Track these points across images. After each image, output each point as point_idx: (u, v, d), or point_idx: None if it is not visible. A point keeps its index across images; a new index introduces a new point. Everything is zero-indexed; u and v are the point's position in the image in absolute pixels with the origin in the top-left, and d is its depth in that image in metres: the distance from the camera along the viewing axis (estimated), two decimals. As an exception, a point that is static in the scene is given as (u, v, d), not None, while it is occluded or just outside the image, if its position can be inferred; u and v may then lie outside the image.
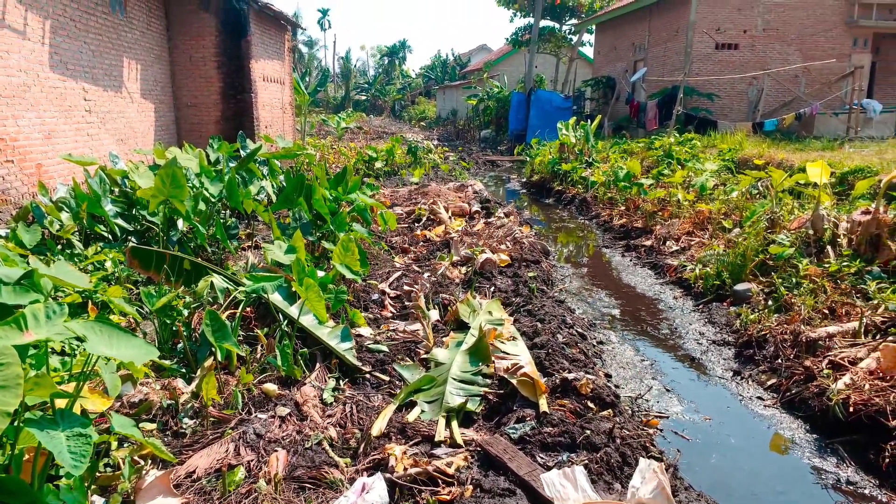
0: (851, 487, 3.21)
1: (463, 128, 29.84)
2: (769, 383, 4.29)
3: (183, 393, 3.39)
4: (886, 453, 3.24)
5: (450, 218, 8.62)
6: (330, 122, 20.08)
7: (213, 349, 3.60)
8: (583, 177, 12.23)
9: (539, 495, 2.58)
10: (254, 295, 4.19)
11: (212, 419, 3.22)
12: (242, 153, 9.07)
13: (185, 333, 3.83)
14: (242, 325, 4.17)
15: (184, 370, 3.68)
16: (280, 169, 9.38)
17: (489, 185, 14.71)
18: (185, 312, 3.99)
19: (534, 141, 16.96)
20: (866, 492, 3.17)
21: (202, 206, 6.23)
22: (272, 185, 8.90)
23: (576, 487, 2.50)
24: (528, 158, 16.22)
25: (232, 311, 4.14)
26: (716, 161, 11.11)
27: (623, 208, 9.92)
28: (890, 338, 4.10)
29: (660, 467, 2.53)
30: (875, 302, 4.65)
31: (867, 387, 3.60)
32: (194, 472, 2.80)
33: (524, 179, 15.46)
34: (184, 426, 3.18)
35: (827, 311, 4.80)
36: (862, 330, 4.32)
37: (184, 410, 3.28)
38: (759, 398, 4.17)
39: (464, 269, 6.30)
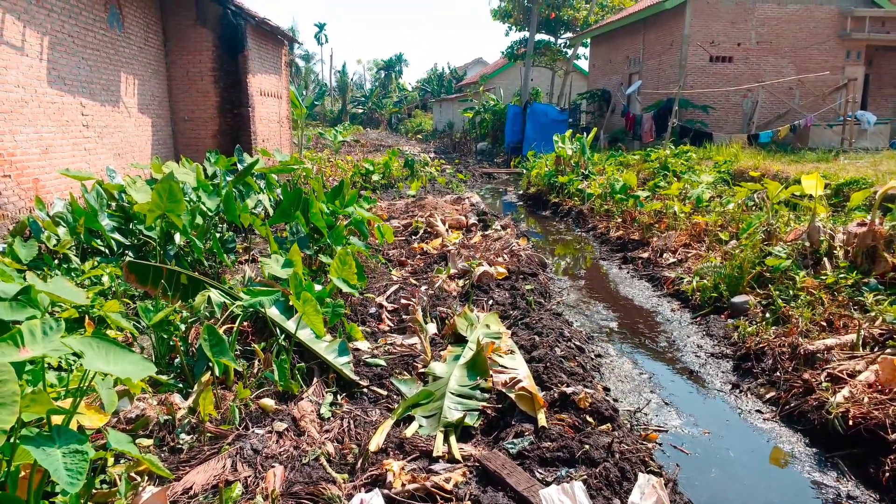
0: (852, 502, 3.19)
1: (459, 140, 29.97)
2: (768, 396, 4.28)
3: (180, 408, 3.36)
4: (886, 467, 3.22)
5: (447, 230, 8.63)
6: (327, 136, 20.16)
7: (211, 364, 3.59)
8: (579, 189, 12.28)
9: (538, 511, 2.57)
10: (251, 309, 4.17)
11: (209, 435, 3.20)
12: (239, 167, 9.08)
13: (182, 348, 3.82)
14: (240, 339, 4.16)
15: (181, 385, 3.66)
16: (277, 182, 9.40)
17: (486, 197, 14.76)
18: (183, 327, 3.97)
19: (530, 153, 17.04)
20: (866, 506, 3.16)
21: (199, 220, 6.23)
22: (269, 199, 8.92)
23: (575, 503, 2.48)
24: (524, 171, 16.29)
25: (229, 325, 4.12)
26: (711, 173, 11.17)
27: (619, 220, 9.95)
28: (888, 350, 4.10)
29: (659, 482, 2.51)
30: (872, 314, 4.66)
31: (866, 400, 3.60)
32: (191, 488, 2.78)
33: (521, 192, 15.51)
34: (181, 442, 3.16)
35: (825, 324, 4.80)
36: (860, 342, 4.32)
37: (181, 426, 3.26)
38: (757, 411, 4.16)
39: (461, 282, 6.30)
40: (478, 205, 10.95)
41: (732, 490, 3.33)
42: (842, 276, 5.33)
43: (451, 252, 7.28)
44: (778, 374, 4.40)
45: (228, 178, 8.36)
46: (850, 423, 3.53)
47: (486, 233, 8.68)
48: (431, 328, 4.96)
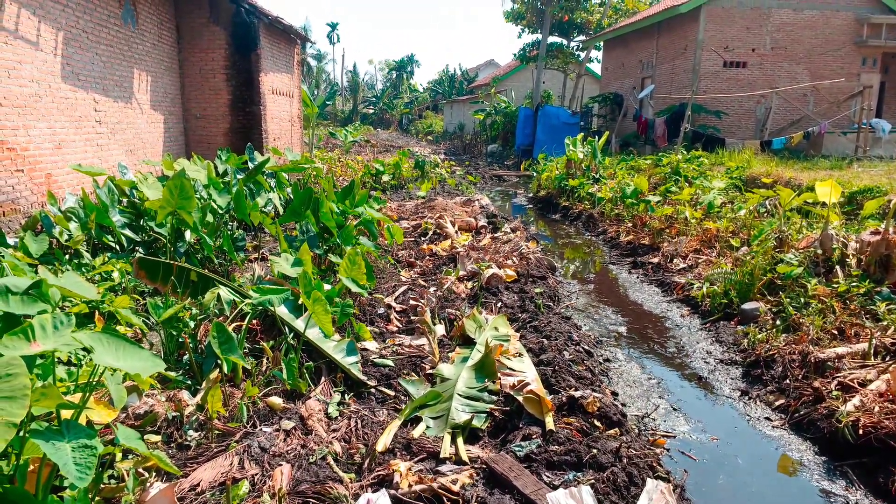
0: (862, 512, 3.16)
1: (470, 142, 29.98)
2: (777, 404, 4.24)
3: (188, 405, 3.38)
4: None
5: (456, 232, 8.63)
6: (338, 135, 20.21)
7: (219, 361, 3.59)
8: (590, 193, 12.24)
9: (544, 515, 2.56)
10: (260, 307, 4.18)
11: (216, 432, 3.22)
12: (250, 165, 9.13)
13: (191, 345, 3.83)
14: (248, 337, 4.17)
15: (189, 382, 3.68)
16: (288, 181, 9.45)
17: (496, 199, 14.74)
18: (192, 324, 3.99)
19: (541, 156, 17.01)
20: (877, 517, 3.12)
21: (210, 217, 6.26)
22: (280, 198, 8.97)
23: (582, 508, 2.47)
24: (534, 174, 16.26)
25: (238, 323, 4.14)
26: (723, 179, 11.10)
27: (630, 225, 9.91)
28: (900, 360, 4.05)
29: (667, 488, 2.49)
30: (885, 323, 4.60)
31: (877, 409, 3.56)
32: (198, 485, 2.79)
33: (531, 195, 15.48)
34: (188, 439, 3.17)
35: (836, 332, 4.75)
36: (871, 351, 4.27)
37: (189, 423, 3.27)
38: (766, 418, 4.13)
39: (470, 284, 6.29)
40: (487, 207, 10.93)
41: (740, 497, 3.31)
42: (854, 284, 5.28)
43: (460, 254, 7.27)
44: (788, 381, 4.36)
45: (239, 176, 8.42)
46: (860, 432, 3.49)
47: (496, 235, 8.67)
48: (440, 330, 4.95)
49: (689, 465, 3.51)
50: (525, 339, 4.79)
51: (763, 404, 4.32)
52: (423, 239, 8.41)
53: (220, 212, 6.69)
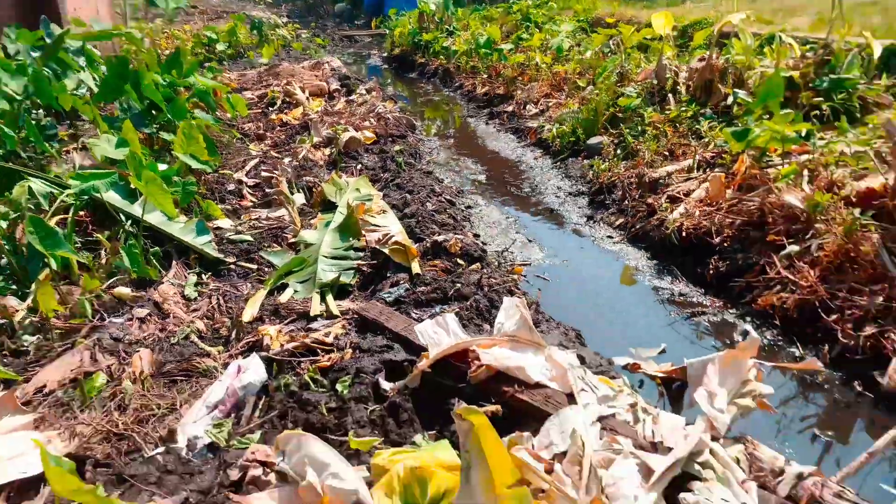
0: (682, 297, 3.73)
1: (315, 2, 27.40)
2: (618, 223, 4.72)
3: (17, 311, 3.03)
4: (710, 267, 3.77)
5: (307, 99, 8.09)
6: (158, 3, 17.36)
7: (47, 260, 3.23)
8: (444, 47, 11.89)
9: (416, 346, 2.70)
10: (86, 197, 3.73)
11: (58, 331, 2.95)
12: (48, 41, 7.65)
13: (7, 248, 3.36)
14: (79, 230, 3.73)
15: (15, 287, 3.27)
16: (101, 59, 8.10)
17: (349, 62, 13.90)
18: (4, 224, 3.47)
19: (392, 12, 16.02)
20: (694, 299, 3.70)
21: (5, 105, 5.28)
22: (94, 78, 7.72)
23: (448, 332, 2.62)
24: (387, 31, 15.41)
25: (62, 217, 3.68)
26: (571, 22, 11.21)
27: (485, 77, 9.88)
28: (717, 169, 4.59)
29: (521, 302, 2.70)
30: (706, 140, 5.13)
31: (697, 213, 4.07)
32: (45, 386, 2.58)
33: (385, 54, 14.78)
34: (25, 344, 2.88)
35: (667, 153, 5.23)
36: (695, 166, 4.79)
37: (22, 328, 2.96)
38: (609, 237, 4.60)
39: (327, 151, 6.05)
40: (339, 70, 10.31)
41: (587, 303, 3.75)
42: (683, 109, 5.75)
43: (313, 120, 6.89)
44: (626, 202, 4.82)
45: (36, 55, 7.07)
46: (684, 234, 4.01)
47: (351, 98, 8.26)
48: (299, 199, 4.80)
49: (543, 286, 3.86)
50: (388, 198, 4.77)
51: (606, 225, 4.78)
52: (271, 109, 7.81)
53: (18, 98, 5.63)
